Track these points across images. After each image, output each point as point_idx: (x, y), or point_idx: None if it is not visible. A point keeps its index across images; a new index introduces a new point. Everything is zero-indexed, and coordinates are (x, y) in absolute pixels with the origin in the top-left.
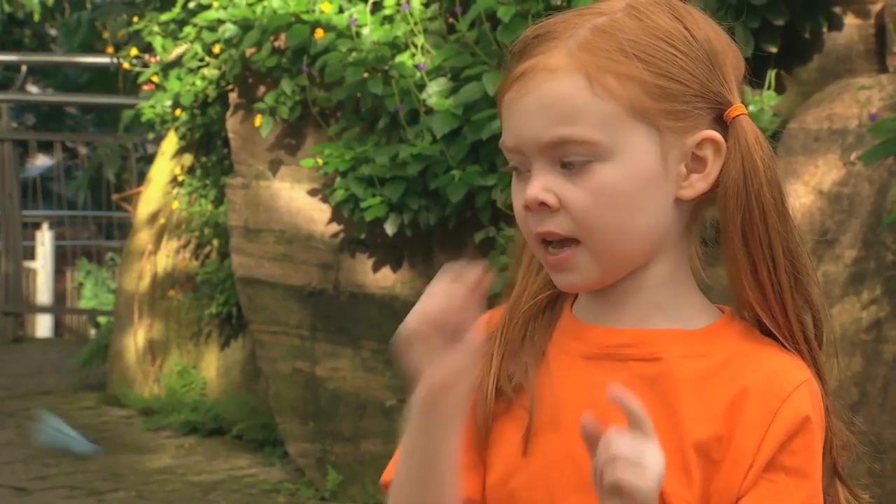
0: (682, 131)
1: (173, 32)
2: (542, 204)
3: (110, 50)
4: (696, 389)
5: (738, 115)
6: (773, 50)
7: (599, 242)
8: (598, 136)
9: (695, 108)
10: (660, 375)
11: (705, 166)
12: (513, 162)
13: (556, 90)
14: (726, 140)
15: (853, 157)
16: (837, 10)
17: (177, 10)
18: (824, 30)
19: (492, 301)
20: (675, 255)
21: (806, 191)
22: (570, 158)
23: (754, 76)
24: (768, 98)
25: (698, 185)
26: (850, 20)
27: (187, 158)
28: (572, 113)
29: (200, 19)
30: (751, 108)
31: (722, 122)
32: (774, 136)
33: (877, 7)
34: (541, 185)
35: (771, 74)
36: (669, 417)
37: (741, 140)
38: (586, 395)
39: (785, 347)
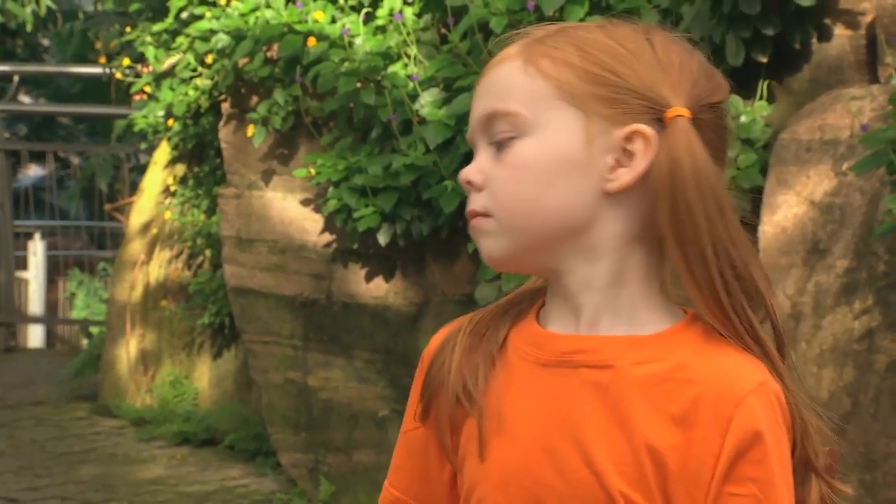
0: (612, 120)
1: (166, 43)
2: (470, 183)
3: (103, 60)
4: (648, 396)
5: (676, 116)
6: (764, 60)
7: (507, 214)
8: (522, 110)
9: (629, 100)
10: (611, 383)
11: (634, 160)
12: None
13: (497, 73)
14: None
15: (845, 167)
16: (828, 20)
17: (169, 20)
18: (815, 40)
19: None
20: (621, 257)
21: (798, 201)
22: (497, 136)
23: (745, 87)
24: (760, 108)
25: (624, 177)
26: (840, 31)
27: (180, 168)
28: (503, 90)
29: (193, 30)
30: (742, 118)
31: (662, 124)
32: (766, 147)
33: (867, 18)
34: (475, 165)
35: (762, 85)
36: (622, 426)
37: (671, 139)
38: (540, 403)
39: (743, 349)
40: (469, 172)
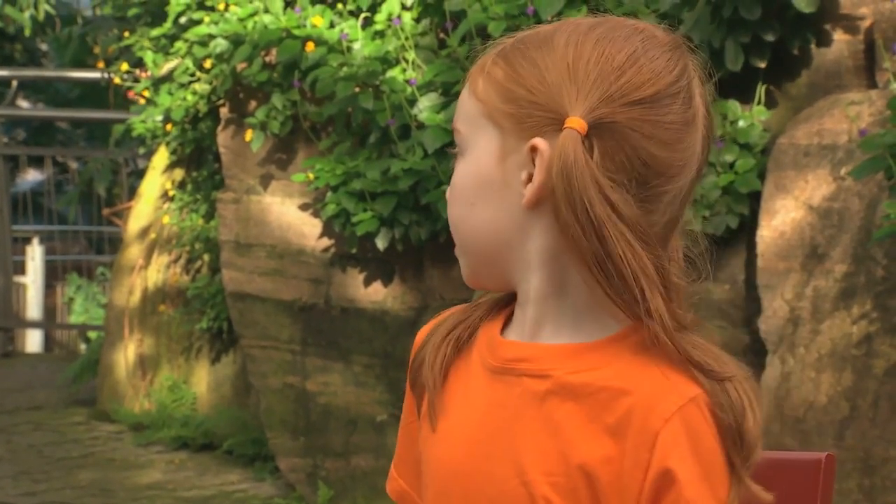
0: (521, 136)
1: (164, 47)
2: None
3: (101, 65)
4: (583, 406)
5: (565, 128)
6: (762, 65)
7: (455, 236)
8: (463, 129)
9: (533, 114)
10: (548, 393)
11: (535, 174)
12: None
13: (463, 90)
14: None
15: (843, 172)
16: (827, 26)
17: (168, 25)
18: (813, 45)
19: None
20: (557, 268)
21: (796, 206)
22: (455, 150)
23: (744, 91)
24: (758, 113)
25: (528, 192)
26: (839, 36)
27: (178, 173)
28: (459, 107)
29: (191, 34)
30: (741, 123)
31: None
32: (764, 152)
33: (866, 23)
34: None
35: (761, 90)
36: (555, 436)
37: (556, 152)
38: (486, 409)
39: (680, 362)
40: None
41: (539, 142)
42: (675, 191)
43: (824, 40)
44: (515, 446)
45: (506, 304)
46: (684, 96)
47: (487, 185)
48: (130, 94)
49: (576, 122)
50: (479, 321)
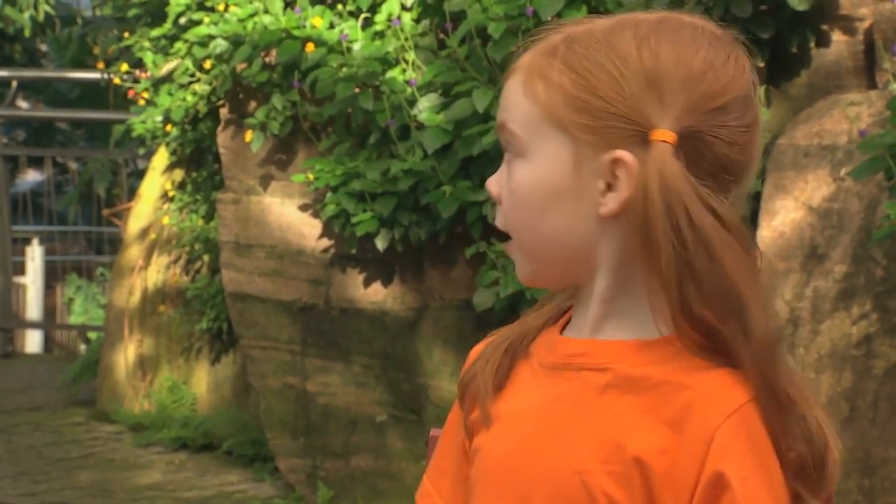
0: (598, 146)
1: (164, 48)
2: (490, 193)
3: (101, 65)
4: (642, 399)
5: (655, 140)
6: (761, 64)
7: (518, 239)
8: (519, 131)
9: (613, 125)
10: (608, 386)
11: (619, 185)
12: None
13: (508, 85)
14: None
15: (843, 172)
16: (826, 26)
17: (167, 25)
18: (812, 45)
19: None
20: (625, 272)
21: (795, 206)
22: (506, 147)
23: None
24: None
25: (610, 203)
26: (838, 36)
27: (178, 174)
28: (508, 106)
29: (191, 35)
30: None
31: (649, 146)
32: (764, 152)
33: (865, 24)
34: (497, 175)
35: (760, 90)
36: (612, 427)
37: (648, 166)
38: (544, 403)
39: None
40: (490, 181)
41: (624, 154)
42: (744, 189)
43: (824, 41)
44: (572, 438)
45: (564, 311)
46: (753, 95)
47: (560, 193)
48: (130, 94)
49: (667, 136)
50: (537, 329)
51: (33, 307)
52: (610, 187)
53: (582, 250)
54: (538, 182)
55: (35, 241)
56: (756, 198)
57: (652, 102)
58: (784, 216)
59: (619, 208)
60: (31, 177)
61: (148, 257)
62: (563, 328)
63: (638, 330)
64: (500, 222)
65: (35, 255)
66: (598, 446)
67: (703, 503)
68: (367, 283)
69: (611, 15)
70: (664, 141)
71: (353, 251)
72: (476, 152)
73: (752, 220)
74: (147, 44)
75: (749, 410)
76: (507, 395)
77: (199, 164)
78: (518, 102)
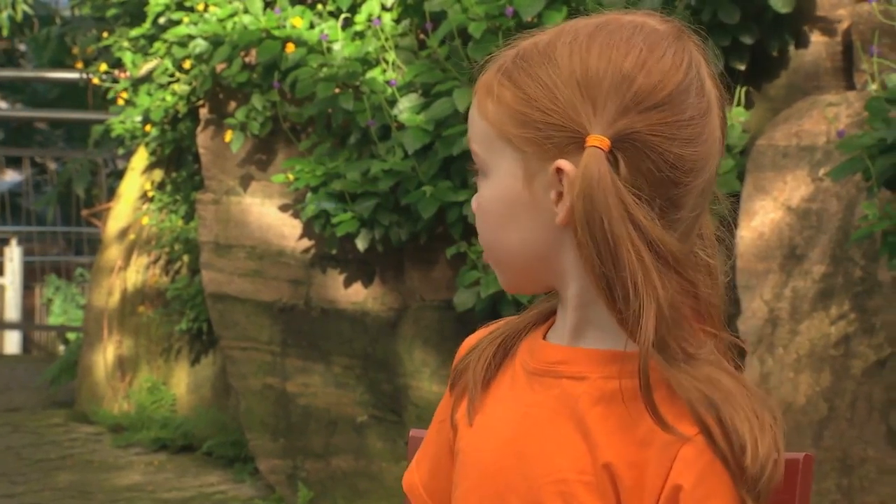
0: (544, 157)
1: (143, 48)
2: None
3: (80, 65)
4: (613, 412)
5: (588, 146)
6: (742, 67)
7: (488, 251)
8: (479, 151)
9: (553, 135)
10: (583, 395)
11: (564, 194)
12: None
13: (473, 103)
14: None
15: (821, 173)
16: (805, 27)
17: (147, 25)
18: (791, 46)
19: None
20: (589, 281)
21: (774, 206)
22: (476, 166)
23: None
24: (738, 114)
25: (560, 212)
26: (817, 38)
27: (157, 174)
28: (471, 125)
29: (171, 35)
30: None
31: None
32: (743, 153)
33: (843, 25)
34: (476, 193)
35: (740, 91)
36: (586, 438)
37: (582, 172)
38: (523, 409)
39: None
40: (472, 201)
41: (564, 163)
42: (704, 182)
43: (802, 42)
44: (548, 447)
45: (550, 313)
46: (696, 87)
47: (517, 207)
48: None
49: (598, 140)
50: (526, 329)
51: (12, 308)
52: (560, 196)
53: (548, 259)
54: (496, 197)
55: (13, 242)
56: (736, 198)
57: (586, 109)
58: (763, 216)
59: (566, 217)
60: (10, 177)
61: (127, 258)
62: (546, 333)
63: (614, 339)
64: (479, 236)
65: (13, 256)
66: (574, 456)
67: (672, 495)
68: (347, 284)
69: (558, 24)
70: (596, 146)
71: (334, 251)
72: (456, 152)
73: (732, 221)
74: (126, 44)
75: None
76: (491, 395)
77: (179, 164)
78: (475, 122)
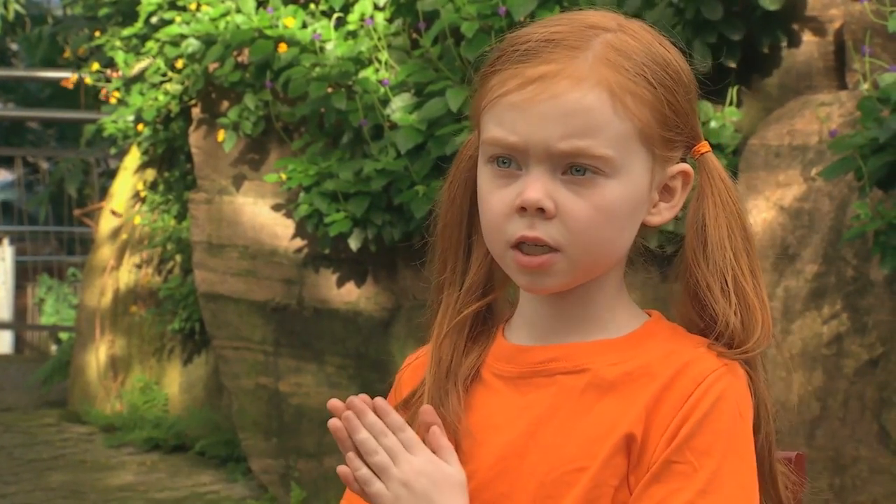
0: (667, 161)
1: (135, 47)
2: (541, 209)
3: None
4: (622, 393)
5: (705, 152)
6: (733, 65)
7: (583, 254)
8: (612, 153)
9: (680, 140)
10: (588, 385)
11: (674, 196)
12: (499, 155)
13: (581, 101)
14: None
15: (813, 172)
16: (797, 27)
17: (139, 25)
18: (783, 45)
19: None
20: (621, 272)
21: (767, 206)
22: (581, 167)
23: (715, 92)
24: (730, 114)
25: (665, 213)
26: (809, 37)
27: (150, 173)
28: (594, 127)
29: (163, 34)
30: (712, 123)
31: (688, 156)
32: (735, 152)
33: (835, 25)
34: (543, 189)
35: (732, 90)
36: (600, 423)
37: (714, 175)
38: (515, 414)
39: (708, 342)
40: (541, 198)
41: (688, 168)
42: None
43: (795, 41)
44: (556, 440)
45: (482, 322)
46: None
47: (638, 209)
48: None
49: (708, 145)
50: (475, 350)
51: (4, 308)
52: (660, 198)
53: (619, 257)
54: (629, 199)
55: (5, 241)
56: None
57: (695, 115)
58: (756, 216)
59: (672, 217)
60: (2, 176)
61: (119, 258)
62: (504, 337)
63: (605, 330)
64: (548, 236)
65: (6, 256)
66: (590, 441)
67: (678, 429)
68: (340, 283)
69: (585, 13)
70: (710, 151)
71: (327, 251)
72: (449, 151)
73: None
74: (118, 43)
75: (719, 374)
76: (470, 416)
77: (172, 163)
78: (607, 122)
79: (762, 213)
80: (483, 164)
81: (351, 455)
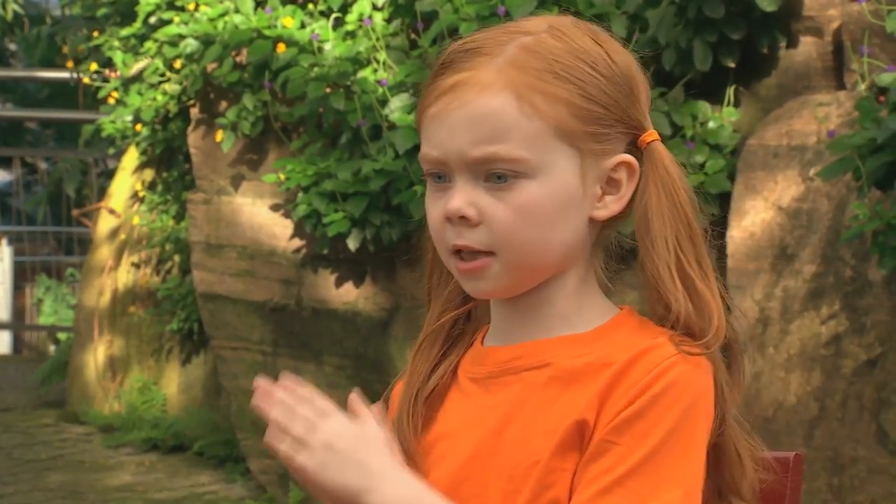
0: (601, 154)
1: (134, 47)
2: (463, 217)
3: (70, 65)
4: (581, 383)
5: (652, 141)
6: (731, 65)
7: (515, 256)
8: (526, 155)
9: (614, 132)
10: (550, 379)
11: (619, 188)
12: (431, 169)
13: (486, 106)
14: (640, 164)
15: (812, 173)
16: (795, 27)
17: (137, 25)
18: (782, 46)
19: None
20: (584, 268)
21: (765, 206)
22: (493, 174)
23: (713, 92)
24: (728, 114)
25: (613, 206)
26: (807, 37)
27: (148, 174)
28: (502, 130)
29: (161, 34)
30: (711, 124)
31: (635, 146)
32: (734, 153)
33: (834, 25)
34: (464, 198)
35: (730, 91)
36: (563, 414)
37: (658, 164)
38: (484, 413)
39: (671, 333)
40: (463, 207)
41: (630, 159)
42: None
43: (793, 42)
44: (522, 434)
45: (458, 333)
46: None
47: (570, 205)
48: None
49: (656, 134)
50: (452, 354)
51: (2, 308)
52: (604, 191)
53: (570, 255)
54: (553, 196)
55: (4, 242)
56: (726, 198)
57: (635, 106)
58: (754, 216)
59: (620, 209)
60: (0, 177)
61: (118, 258)
62: (482, 341)
63: (572, 326)
64: (477, 242)
65: (4, 256)
66: (550, 433)
67: (621, 410)
68: (338, 284)
69: (523, 21)
70: (657, 139)
71: (325, 251)
72: None
73: (723, 221)
74: (117, 43)
75: (677, 361)
76: (436, 422)
77: (170, 164)
78: (514, 124)
79: (760, 213)
80: (427, 178)
81: (268, 439)
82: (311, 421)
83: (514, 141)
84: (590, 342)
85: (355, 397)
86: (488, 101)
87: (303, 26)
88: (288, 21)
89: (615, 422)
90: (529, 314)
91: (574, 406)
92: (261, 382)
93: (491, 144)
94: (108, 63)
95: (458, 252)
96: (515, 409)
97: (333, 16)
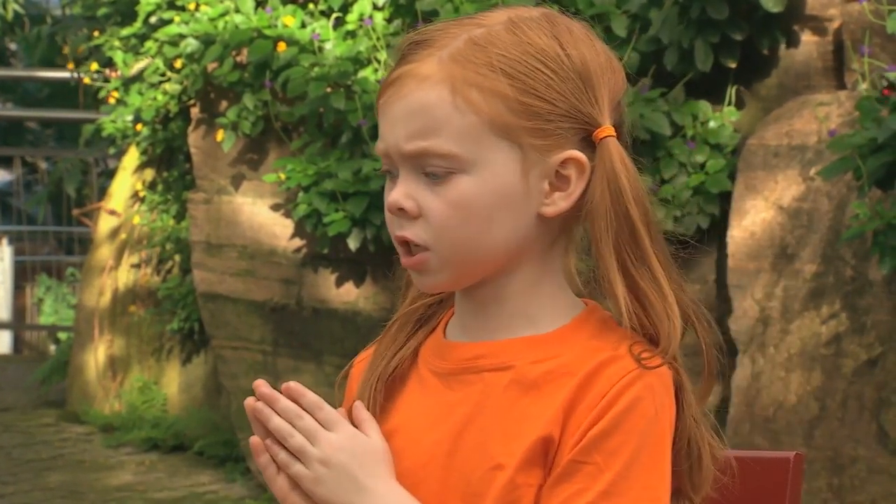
0: (546, 149)
1: (134, 47)
2: (402, 210)
3: (71, 65)
4: (544, 392)
5: (604, 137)
6: (732, 65)
7: (450, 251)
8: (458, 150)
9: (559, 128)
10: (511, 382)
11: (569, 185)
12: (385, 166)
13: (421, 99)
14: (592, 160)
15: (812, 172)
16: (796, 27)
17: (138, 24)
18: (782, 45)
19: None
20: (540, 265)
21: (766, 206)
22: (431, 169)
23: (714, 92)
24: (729, 114)
25: (560, 203)
26: (807, 37)
27: (149, 173)
28: (433, 125)
29: (162, 34)
30: (711, 123)
31: (590, 143)
32: (734, 152)
33: (834, 24)
34: (403, 191)
35: (731, 90)
36: (522, 421)
37: (606, 161)
38: (444, 411)
39: (631, 338)
40: (402, 200)
41: (578, 155)
42: None
43: (793, 41)
44: (480, 437)
45: (427, 318)
46: None
47: (509, 201)
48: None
49: (611, 131)
50: (415, 340)
51: (2, 307)
52: (553, 187)
53: (514, 251)
54: (489, 192)
55: (4, 241)
56: (727, 197)
57: (589, 101)
58: (754, 216)
59: (569, 207)
60: (1, 176)
61: (118, 257)
62: (444, 333)
63: (535, 324)
64: (415, 235)
65: (4, 256)
66: (509, 439)
67: (588, 429)
68: (339, 283)
69: (486, 13)
70: (612, 136)
71: (325, 251)
72: None
73: (723, 220)
74: (117, 43)
75: (638, 375)
76: (395, 411)
77: (170, 163)
78: (447, 118)
79: (761, 212)
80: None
81: (268, 442)
82: (312, 432)
83: (445, 136)
84: (551, 345)
85: (359, 404)
86: (425, 95)
87: (303, 26)
88: (288, 21)
89: (583, 442)
90: (485, 309)
91: (537, 418)
92: (264, 389)
93: (423, 139)
94: (108, 63)
95: (406, 244)
96: (475, 411)
97: (334, 15)
